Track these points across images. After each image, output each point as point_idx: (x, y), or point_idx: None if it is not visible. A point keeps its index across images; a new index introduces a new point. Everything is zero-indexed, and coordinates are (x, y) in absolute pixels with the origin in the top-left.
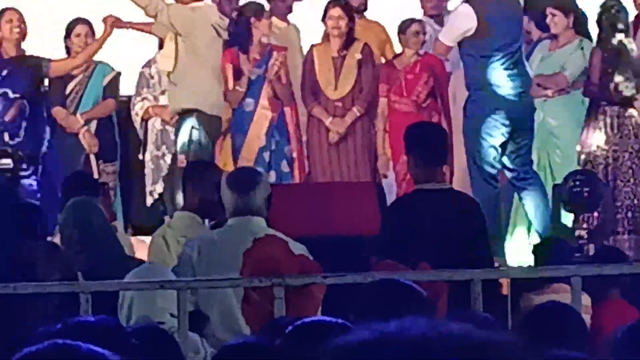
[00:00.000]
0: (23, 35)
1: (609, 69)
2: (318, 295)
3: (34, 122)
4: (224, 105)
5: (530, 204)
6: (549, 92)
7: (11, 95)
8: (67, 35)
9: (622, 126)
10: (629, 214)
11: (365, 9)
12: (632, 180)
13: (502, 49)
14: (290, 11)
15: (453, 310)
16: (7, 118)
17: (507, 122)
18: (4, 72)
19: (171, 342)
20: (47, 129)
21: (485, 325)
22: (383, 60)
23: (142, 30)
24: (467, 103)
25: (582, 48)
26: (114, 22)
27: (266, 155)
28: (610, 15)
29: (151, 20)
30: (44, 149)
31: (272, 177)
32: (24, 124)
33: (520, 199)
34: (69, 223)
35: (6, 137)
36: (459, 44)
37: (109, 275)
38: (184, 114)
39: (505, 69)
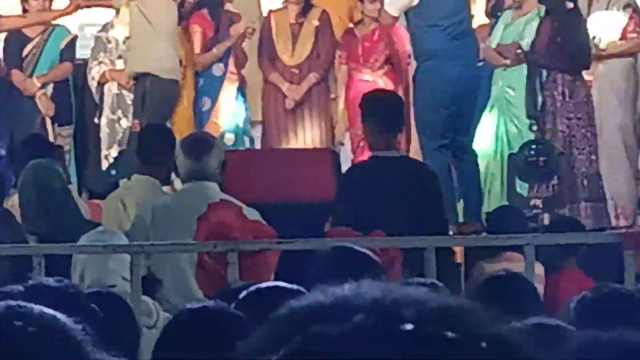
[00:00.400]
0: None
1: (557, 37)
2: (271, 260)
3: None
4: (179, 69)
5: (461, 180)
6: (508, 62)
7: None
8: None
9: (574, 94)
10: (585, 182)
11: None
12: (587, 148)
13: (447, 19)
14: None
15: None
16: None
17: (453, 92)
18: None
19: (124, 306)
20: None
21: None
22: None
23: (102, 6)
24: (416, 73)
25: (539, 16)
26: (78, 3)
27: (240, 120)
28: None
29: None
30: None
31: (247, 142)
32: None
33: (455, 167)
34: (28, 185)
35: None
36: (405, 13)
37: (68, 239)
38: (138, 78)
39: (452, 39)
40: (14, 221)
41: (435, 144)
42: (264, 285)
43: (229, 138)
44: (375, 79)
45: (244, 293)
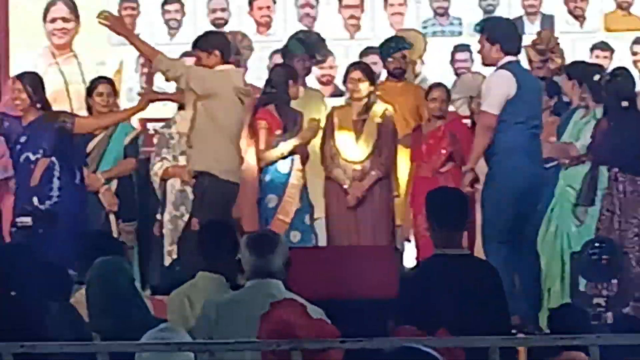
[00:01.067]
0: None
1: (614, 135)
2: (335, 359)
3: (68, 182)
4: (238, 170)
5: (521, 279)
6: (566, 161)
7: (32, 157)
8: (89, 94)
9: (635, 193)
10: None
11: (404, 72)
12: (637, 247)
13: (532, 118)
14: (309, 74)
15: None
16: (32, 183)
17: (525, 190)
18: (22, 139)
19: None
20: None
21: None
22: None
23: (176, 101)
24: (493, 167)
25: (595, 118)
26: (149, 98)
27: (306, 218)
28: (617, 83)
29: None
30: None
31: (312, 239)
32: (56, 184)
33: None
34: (95, 283)
35: (35, 201)
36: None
37: (135, 337)
38: (197, 176)
39: (531, 137)
40: (80, 318)
41: (500, 240)
42: None
43: (295, 235)
44: (437, 176)
45: None
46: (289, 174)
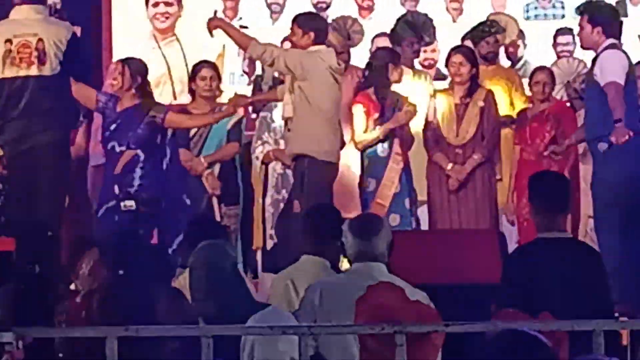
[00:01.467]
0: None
1: None
2: (437, 343)
3: (151, 172)
4: (337, 152)
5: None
6: None
7: (117, 148)
8: (192, 78)
9: None
10: None
11: (496, 55)
12: None
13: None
14: (418, 56)
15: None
16: (115, 172)
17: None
18: (112, 127)
19: None
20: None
21: None
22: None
23: (269, 100)
24: (606, 151)
25: None
26: (238, 102)
27: (406, 202)
28: None
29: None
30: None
31: (413, 223)
32: (137, 174)
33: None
34: (199, 266)
35: (116, 189)
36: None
37: (237, 320)
38: (297, 159)
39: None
40: (185, 301)
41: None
42: None
43: (394, 218)
44: (539, 159)
45: None
46: (387, 157)
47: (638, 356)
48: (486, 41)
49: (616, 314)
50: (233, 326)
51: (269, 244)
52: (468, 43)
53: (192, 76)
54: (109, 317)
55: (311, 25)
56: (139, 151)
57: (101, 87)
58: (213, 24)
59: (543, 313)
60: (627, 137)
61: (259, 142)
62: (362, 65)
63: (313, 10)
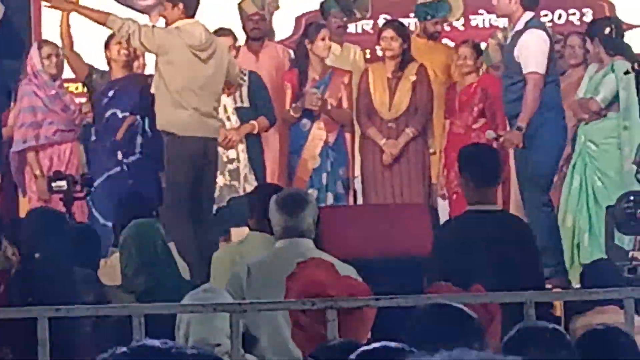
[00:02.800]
0: (132, 57)
1: None
2: (369, 317)
3: (150, 137)
4: (201, 124)
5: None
6: (586, 116)
7: (120, 114)
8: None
9: None
10: None
11: (440, 33)
12: None
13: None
14: (345, 32)
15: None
16: (117, 137)
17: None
18: (110, 93)
19: None
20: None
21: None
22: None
23: None
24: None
25: (613, 70)
26: None
27: (324, 176)
28: None
29: None
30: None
31: (330, 198)
32: (139, 140)
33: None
34: (129, 243)
35: (119, 155)
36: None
37: (167, 298)
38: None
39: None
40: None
41: (543, 199)
42: (373, 346)
43: (311, 193)
44: (469, 132)
45: (354, 355)
46: (307, 132)
47: (571, 326)
48: (433, 21)
49: (549, 286)
50: (164, 304)
51: None
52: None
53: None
54: (17, 299)
55: None
56: (138, 117)
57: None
58: (55, 3)
59: (474, 285)
60: (513, 146)
61: None
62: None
63: None
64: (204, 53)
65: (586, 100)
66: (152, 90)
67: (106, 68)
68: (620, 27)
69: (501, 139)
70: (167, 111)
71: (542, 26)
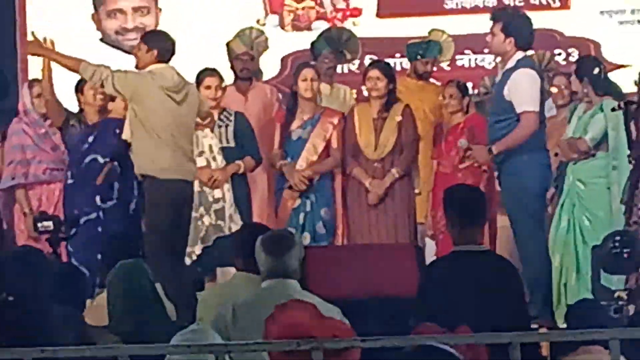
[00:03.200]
0: (107, 101)
1: None
2: (354, 358)
3: (125, 182)
4: (181, 167)
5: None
6: (575, 156)
7: (101, 160)
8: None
9: None
10: None
11: (430, 74)
12: None
13: (543, 114)
14: (334, 72)
15: None
16: (97, 182)
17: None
18: (90, 139)
19: None
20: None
21: None
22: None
23: None
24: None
25: (602, 110)
26: None
27: (301, 216)
28: None
29: None
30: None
31: (307, 238)
32: (116, 186)
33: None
34: (116, 284)
35: (98, 200)
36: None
37: (155, 339)
38: (143, 180)
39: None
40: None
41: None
42: None
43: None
44: (456, 172)
45: None
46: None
47: None
48: (424, 61)
49: (536, 326)
50: (150, 345)
51: (187, 262)
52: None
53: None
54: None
55: (157, 43)
56: (115, 163)
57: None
58: (31, 50)
59: (460, 327)
60: (477, 164)
61: None
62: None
63: None
64: (178, 95)
65: (575, 140)
66: (124, 137)
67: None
68: (605, 67)
69: (468, 153)
70: (146, 155)
71: (533, 65)
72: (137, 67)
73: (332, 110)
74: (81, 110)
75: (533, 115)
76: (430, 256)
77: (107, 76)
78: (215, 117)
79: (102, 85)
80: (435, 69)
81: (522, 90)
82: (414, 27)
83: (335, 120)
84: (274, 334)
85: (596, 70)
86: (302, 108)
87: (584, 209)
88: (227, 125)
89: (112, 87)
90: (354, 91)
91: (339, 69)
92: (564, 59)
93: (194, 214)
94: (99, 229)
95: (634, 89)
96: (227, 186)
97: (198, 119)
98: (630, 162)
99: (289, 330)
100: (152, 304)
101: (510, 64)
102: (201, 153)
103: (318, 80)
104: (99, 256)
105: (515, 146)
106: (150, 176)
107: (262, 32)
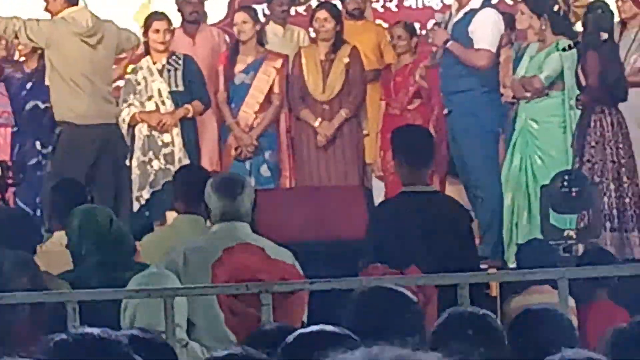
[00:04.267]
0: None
1: (599, 69)
2: (303, 301)
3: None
4: (98, 113)
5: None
6: (528, 94)
7: (42, 105)
8: (145, 31)
9: (617, 126)
10: (615, 212)
11: (362, 12)
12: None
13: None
14: (288, 15)
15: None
16: (38, 127)
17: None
18: (28, 85)
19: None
20: None
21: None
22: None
23: None
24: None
25: (558, 49)
26: None
27: (247, 160)
28: (596, 16)
29: None
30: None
31: (251, 182)
32: (57, 130)
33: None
34: (76, 229)
35: (38, 145)
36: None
37: (119, 283)
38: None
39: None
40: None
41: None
42: (310, 329)
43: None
44: (405, 113)
45: (291, 337)
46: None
47: (507, 306)
48: None
49: (485, 266)
50: (98, 290)
51: (136, 206)
52: None
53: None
54: None
55: None
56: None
57: None
58: None
59: (410, 268)
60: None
61: (125, 104)
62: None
63: None
64: (92, 39)
65: (529, 78)
66: (47, 82)
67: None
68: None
69: (430, 34)
70: (64, 101)
71: (495, 7)
72: (49, 13)
73: (276, 54)
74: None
75: (489, 54)
76: (379, 198)
77: (19, 27)
78: (164, 61)
79: (16, 37)
80: (377, 7)
81: (485, 29)
82: None
83: (278, 64)
84: (222, 278)
85: (555, 8)
86: (244, 51)
87: (536, 148)
88: (176, 69)
89: (26, 38)
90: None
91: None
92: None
93: (142, 158)
94: (39, 174)
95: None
96: (176, 130)
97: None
98: (577, 107)
99: (236, 274)
100: (113, 246)
101: (475, 3)
102: (150, 97)
103: (254, 23)
104: (40, 201)
105: (462, 60)
106: (68, 122)
107: None
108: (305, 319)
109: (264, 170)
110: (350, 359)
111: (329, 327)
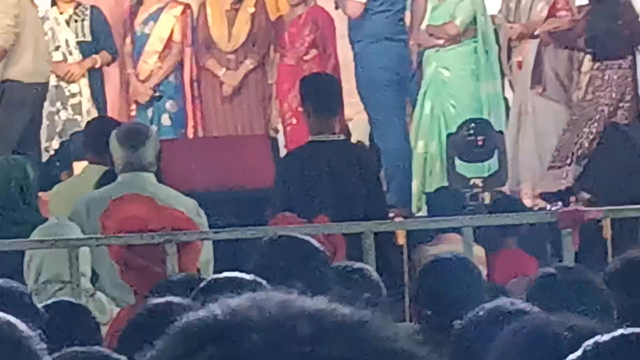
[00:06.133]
0: None
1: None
2: (198, 249)
3: None
4: (45, 71)
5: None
6: (441, 42)
7: None
8: None
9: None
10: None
11: None
12: None
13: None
14: None
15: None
16: None
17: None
18: None
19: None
20: None
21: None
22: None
23: None
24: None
25: None
26: None
27: (149, 111)
28: None
29: None
30: None
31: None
32: None
33: None
34: None
35: None
36: None
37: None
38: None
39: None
40: None
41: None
42: (224, 275)
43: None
44: (301, 64)
45: (203, 283)
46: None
47: (414, 255)
48: None
49: (392, 215)
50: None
51: (44, 157)
52: None
53: None
54: None
55: None
56: None
57: None
58: None
59: (319, 216)
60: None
61: None
62: None
63: None
64: None
65: (443, 25)
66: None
67: None
68: None
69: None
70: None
71: None
72: None
73: (176, 2)
74: None
75: (355, 3)
76: (283, 146)
77: None
78: (71, 11)
79: None
80: None
81: None
82: None
83: (178, 12)
84: (110, 229)
85: None
86: (147, 2)
87: (449, 95)
88: (83, 20)
89: None
90: None
91: None
92: None
93: (50, 109)
94: None
95: None
96: (83, 81)
97: None
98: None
99: (125, 224)
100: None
101: None
102: (57, 47)
103: None
104: None
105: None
106: (12, 80)
107: None
108: (210, 268)
109: (165, 120)
110: (233, 303)
111: (242, 274)
